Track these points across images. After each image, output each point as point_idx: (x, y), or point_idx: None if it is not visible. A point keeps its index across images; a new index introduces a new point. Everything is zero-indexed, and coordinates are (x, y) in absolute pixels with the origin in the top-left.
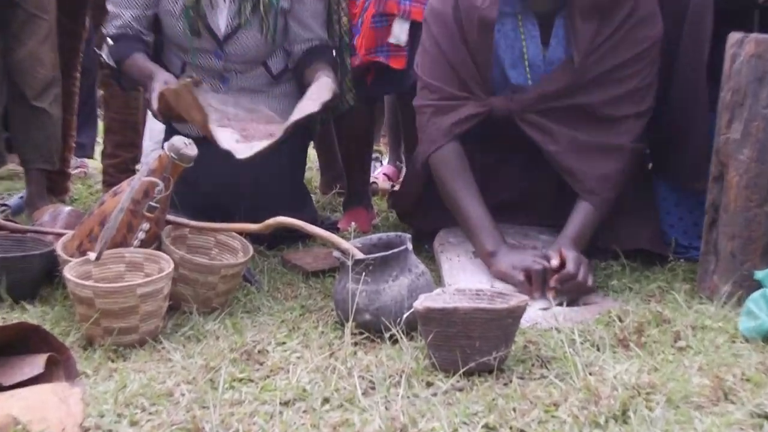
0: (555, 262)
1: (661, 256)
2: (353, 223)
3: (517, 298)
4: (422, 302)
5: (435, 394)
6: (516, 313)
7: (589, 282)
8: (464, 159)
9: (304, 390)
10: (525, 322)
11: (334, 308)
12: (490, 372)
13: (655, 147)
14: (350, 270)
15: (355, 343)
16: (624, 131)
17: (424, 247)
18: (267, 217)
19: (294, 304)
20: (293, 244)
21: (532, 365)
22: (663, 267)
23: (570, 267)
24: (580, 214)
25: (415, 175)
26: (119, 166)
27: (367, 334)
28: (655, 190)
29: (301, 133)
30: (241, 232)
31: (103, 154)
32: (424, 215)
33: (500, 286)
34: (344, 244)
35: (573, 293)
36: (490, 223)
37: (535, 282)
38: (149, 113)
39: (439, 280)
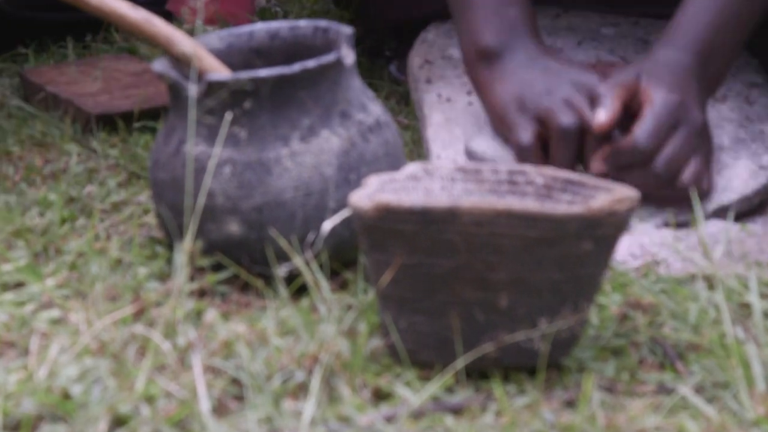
0: (605, 113)
1: None
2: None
3: (607, 192)
4: (372, 192)
5: (391, 418)
6: (603, 227)
7: (686, 175)
8: None
9: (67, 397)
10: (628, 256)
11: (154, 203)
12: (532, 372)
13: None
14: (194, 109)
15: (202, 291)
16: None
17: (388, 68)
18: None
19: (48, 192)
20: (54, 45)
21: (640, 362)
22: None
23: (642, 130)
24: None
25: None
26: None
27: (232, 271)
28: None
29: None
30: None
31: None
32: None
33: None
34: (182, 43)
35: (653, 194)
36: None
37: (555, 158)
38: None
39: (416, 146)
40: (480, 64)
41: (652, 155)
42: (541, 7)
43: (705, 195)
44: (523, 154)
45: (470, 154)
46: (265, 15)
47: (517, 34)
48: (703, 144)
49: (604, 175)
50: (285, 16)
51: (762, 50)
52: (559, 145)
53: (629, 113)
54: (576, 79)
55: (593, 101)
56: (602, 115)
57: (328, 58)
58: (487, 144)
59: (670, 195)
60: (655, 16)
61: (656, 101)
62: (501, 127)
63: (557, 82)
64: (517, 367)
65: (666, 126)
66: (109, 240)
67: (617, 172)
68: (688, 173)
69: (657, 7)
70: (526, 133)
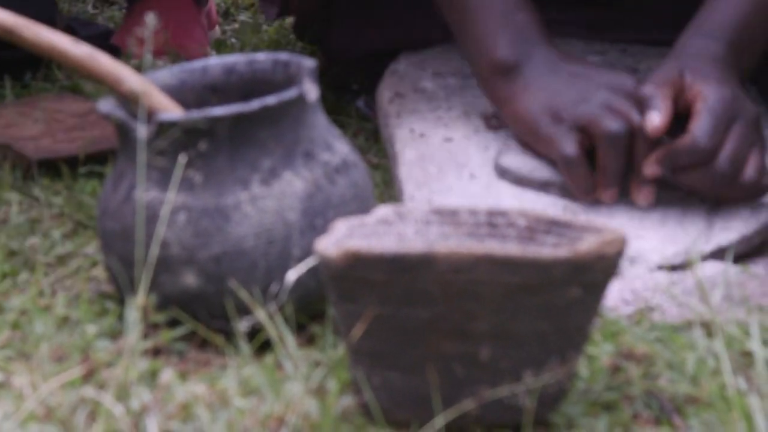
0: (659, 115)
1: None
2: (147, 28)
3: (596, 234)
4: (340, 239)
5: None
6: (591, 272)
7: (749, 171)
8: None
9: None
10: (619, 302)
11: (103, 255)
12: (518, 429)
13: None
14: (145, 151)
15: (157, 349)
16: None
17: (356, 103)
18: None
19: None
20: None
21: (634, 417)
22: None
23: (700, 128)
24: None
25: None
26: None
27: (189, 327)
28: None
29: None
30: None
31: None
32: (355, 17)
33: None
34: (130, 80)
35: (712, 193)
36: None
37: (605, 166)
38: None
39: (387, 187)
40: (497, 78)
41: (714, 153)
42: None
43: (766, 190)
44: (570, 167)
45: (502, 172)
46: (220, 47)
47: (531, 41)
48: (759, 136)
49: (659, 179)
50: (242, 49)
51: (761, 76)
52: (609, 153)
53: (675, 113)
54: (610, 81)
55: (640, 105)
56: (656, 118)
57: (289, 94)
58: (519, 159)
59: (731, 193)
60: (644, 43)
61: (710, 97)
62: (535, 143)
63: (590, 87)
64: (500, 424)
65: (724, 121)
66: (55, 296)
67: (675, 174)
68: (750, 169)
69: (646, 33)
70: (570, 145)
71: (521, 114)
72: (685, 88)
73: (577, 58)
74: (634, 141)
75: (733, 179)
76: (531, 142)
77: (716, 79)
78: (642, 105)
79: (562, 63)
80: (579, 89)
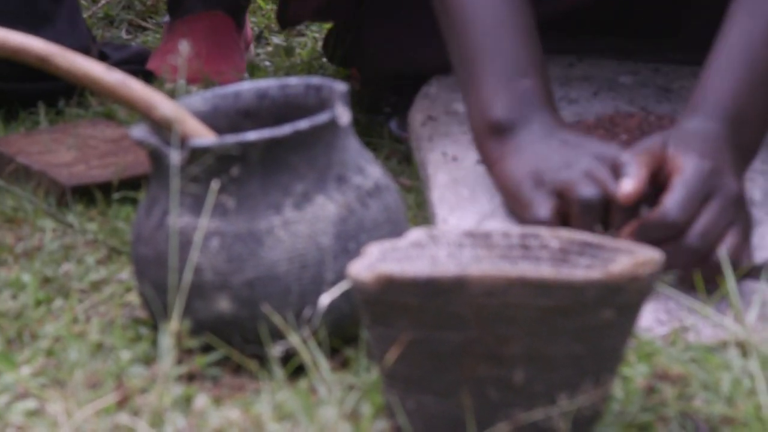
0: (631, 182)
1: None
2: (180, 55)
3: (629, 255)
4: (373, 263)
5: None
6: (625, 293)
7: (723, 249)
8: None
9: None
10: (654, 322)
11: (137, 281)
12: None
13: None
14: (178, 177)
15: (191, 375)
16: None
17: (389, 124)
18: None
19: (21, 272)
20: (24, 111)
21: None
22: None
23: (672, 201)
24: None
25: None
26: None
27: (222, 352)
28: None
29: None
30: None
31: None
32: (388, 38)
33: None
34: (163, 106)
35: (686, 271)
36: (524, 47)
37: (578, 229)
38: None
39: (420, 210)
40: (491, 138)
41: (684, 228)
42: (553, 56)
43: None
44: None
45: None
46: (254, 70)
47: (532, 106)
48: (740, 215)
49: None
50: (275, 72)
51: None
52: (581, 220)
53: (656, 185)
54: (597, 151)
55: (617, 172)
56: (628, 185)
57: (321, 118)
58: (500, 226)
59: (705, 271)
60: (677, 63)
61: (687, 169)
62: (515, 206)
63: (576, 155)
64: None
65: (699, 196)
66: (89, 322)
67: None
68: (724, 247)
69: (679, 53)
70: (543, 209)
71: (507, 175)
72: (667, 160)
73: (574, 127)
74: (610, 210)
75: (705, 256)
76: (512, 206)
77: (698, 152)
78: (618, 173)
79: (556, 130)
80: (566, 156)
